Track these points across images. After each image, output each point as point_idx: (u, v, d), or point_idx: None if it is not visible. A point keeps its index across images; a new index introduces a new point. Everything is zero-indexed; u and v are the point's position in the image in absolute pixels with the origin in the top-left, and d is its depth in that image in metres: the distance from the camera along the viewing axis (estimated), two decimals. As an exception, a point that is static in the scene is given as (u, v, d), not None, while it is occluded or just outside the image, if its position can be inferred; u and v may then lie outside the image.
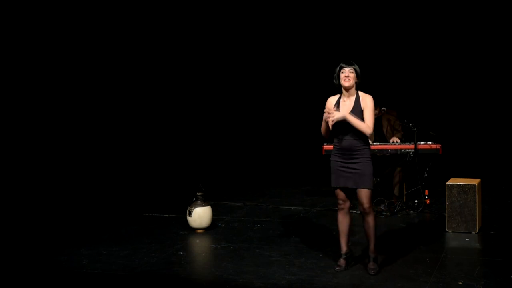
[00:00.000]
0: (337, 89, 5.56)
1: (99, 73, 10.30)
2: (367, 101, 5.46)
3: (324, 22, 11.01)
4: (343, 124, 5.44)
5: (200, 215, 6.96)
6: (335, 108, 5.46)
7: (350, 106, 5.48)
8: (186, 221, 7.07)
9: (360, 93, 5.52)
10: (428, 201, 7.77)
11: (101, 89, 10.34)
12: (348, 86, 5.47)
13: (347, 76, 5.45)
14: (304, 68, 11.29)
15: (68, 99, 9.96)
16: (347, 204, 5.60)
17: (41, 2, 9.41)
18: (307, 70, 11.19)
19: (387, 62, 10.75)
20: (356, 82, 5.48)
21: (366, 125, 5.42)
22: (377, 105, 7.77)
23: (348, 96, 5.51)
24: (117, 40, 10.40)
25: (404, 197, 7.86)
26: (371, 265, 5.51)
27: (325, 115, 5.46)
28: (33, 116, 9.54)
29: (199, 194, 7.03)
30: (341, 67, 5.47)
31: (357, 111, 5.44)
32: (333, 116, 5.35)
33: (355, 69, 5.45)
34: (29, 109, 9.49)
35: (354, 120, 5.39)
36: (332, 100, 5.58)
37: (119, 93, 10.55)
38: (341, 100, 5.54)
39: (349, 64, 5.46)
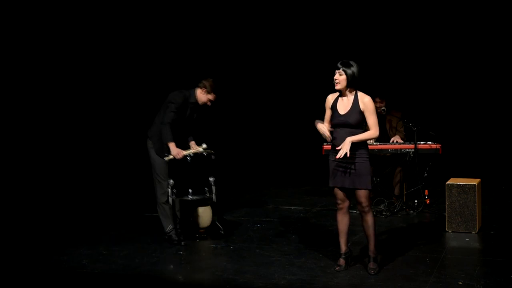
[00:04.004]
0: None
1: (99, 73, 10.30)
2: (366, 103, 5.40)
3: (325, 22, 11.01)
4: (340, 122, 5.43)
5: (200, 215, 6.94)
6: (329, 136, 5.44)
7: (348, 105, 5.45)
8: (186, 221, 7.07)
9: (359, 93, 5.46)
10: (428, 201, 7.77)
11: (101, 89, 10.34)
12: (338, 89, 5.44)
13: (336, 79, 5.41)
14: (304, 68, 11.28)
15: (68, 99, 9.96)
16: (346, 203, 5.60)
17: (41, 2, 9.42)
18: (307, 70, 11.19)
19: (388, 62, 10.75)
20: (349, 83, 5.40)
21: (371, 133, 5.39)
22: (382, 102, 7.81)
23: (347, 96, 5.48)
24: (117, 40, 10.39)
25: (404, 197, 7.86)
26: (371, 265, 5.51)
27: (319, 127, 5.46)
28: (33, 116, 9.54)
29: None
30: (335, 68, 5.44)
31: (355, 111, 5.41)
32: (342, 152, 5.31)
33: (345, 72, 5.36)
34: (29, 109, 9.49)
35: (359, 137, 5.36)
36: (330, 98, 5.56)
37: (119, 93, 10.54)
38: (339, 99, 5.52)
39: (341, 65, 5.38)
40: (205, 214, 6.97)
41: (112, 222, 7.64)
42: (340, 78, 5.40)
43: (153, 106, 10.96)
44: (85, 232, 7.16)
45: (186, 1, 10.84)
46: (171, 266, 5.92)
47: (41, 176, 9.35)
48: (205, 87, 6.54)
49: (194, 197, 6.44)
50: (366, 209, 5.45)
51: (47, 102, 9.72)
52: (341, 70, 5.38)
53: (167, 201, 6.54)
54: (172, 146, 6.36)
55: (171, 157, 6.37)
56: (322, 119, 5.60)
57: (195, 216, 6.81)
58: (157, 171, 6.54)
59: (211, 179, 6.44)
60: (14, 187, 8.89)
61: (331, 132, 5.54)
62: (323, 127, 5.46)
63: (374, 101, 5.56)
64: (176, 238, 6.50)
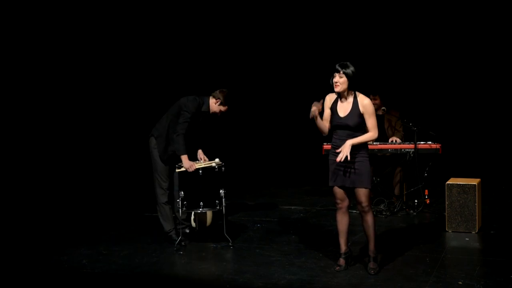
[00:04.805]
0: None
1: (99, 73, 10.30)
2: (365, 106, 5.40)
3: (324, 21, 11.01)
4: (340, 124, 5.43)
5: (201, 215, 6.94)
6: (315, 109, 5.40)
7: (347, 108, 5.44)
8: (186, 221, 7.07)
9: (358, 96, 5.47)
10: (428, 201, 7.77)
11: (101, 89, 10.34)
12: (338, 92, 5.44)
13: (337, 82, 5.40)
14: (303, 68, 11.28)
15: (68, 99, 9.96)
16: (345, 203, 5.59)
17: (41, 2, 9.42)
18: (306, 70, 11.19)
19: (388, 62, 10.75)
20: (350, 85, 5.40)
21: (370, 135, 5.39)
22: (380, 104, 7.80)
23: (346, 98, 5.48)
24: (117, 40, 10.39)
25: (404, 197, 7.86)
26: (371, 264, 5.51)
27: (312, 111, 5.40)
28: (33, 116, 9.54)
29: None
30: (334, 70, 5.41)
31: (355, 114, 5.41)
32: (342, 155, 5.30)
33: (346, 73, 5.36)
34: (29, 109, 9.49)
35: (359, 139, 5.36)
36: (330, 98, 5.55)
37: (118, 93, 10.54)
38: (338, 101, 5.51)
39: (340, 67, 5.37)
40: (205, 214, 6.97)
41: (112, 222, 7.64)
42: (341, 81, 5.38)
43: (153, 106, 10.99)
44: (85, 232, 7.16)
45: (189, 4, 10.85)
46: (171, 266, 5.92)
47: (41, 176, 9.35)
48: (219, 98, 6.48)
49: (205, 210, 6.43)
50: (366, 208, 5.45)
51: (47, 102, 9.72)
52: (341, 73, 5.37)
53: (167, 201, 6.54)
54: (184, 158, 6.29)
55: (182, 169, 6.34)
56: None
57: (196, 215, 6.81)
58: (157, 171, 6.54)
59: (221, 191, 6.42)
60: (14, 187, 8.89)
61: (331, 132, 5.54)
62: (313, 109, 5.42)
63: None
64: (176, 238, 6.50)
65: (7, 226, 7.48)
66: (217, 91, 6.52)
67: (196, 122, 6.50)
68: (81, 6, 9.84)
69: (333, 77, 5.42)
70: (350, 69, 5.37)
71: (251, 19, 11.22)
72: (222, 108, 6.52)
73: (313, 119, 5.43)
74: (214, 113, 6.58)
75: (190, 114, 6.37)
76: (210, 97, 6.53)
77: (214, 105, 6.51)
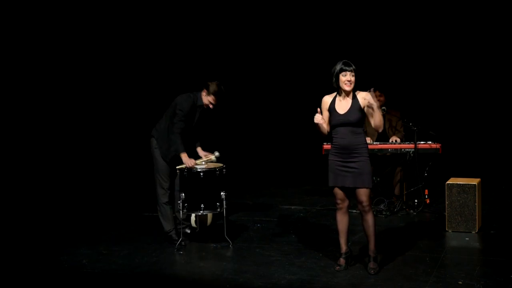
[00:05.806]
0: (334, 88, 5.52)
1: (99, 73, 10.30)
2: (366, 96, 5.40)
3: (324, 21, 11.01)
4: (341, 122, 5.43)
5: (200, 215, 6.94)
6: (321, 118, 5.46)
7: (347, 105, 5.45)
8: (186, 221, 7.07)
9: (358, 93, 5.46)
10: (428, 201, 7.77)
11: (101, 89, 10.34)
12: (349, 90, 5.44)
13: (349, 80, 5.38)
14: (303, 68, 11.28)
15: (68, 99, 9.96)
16: (346, 203, 5.59)
17: (41, 2, 9.42)
18: (306, 70, 11.19)
19: (388, 62, 10.75)
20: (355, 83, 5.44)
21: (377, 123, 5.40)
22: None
23: (345, 96, 5.49)
24: (118, 39, 10.39)
25: (404, 197, 7.86)
26: (371, 264, 5.51)
27: (315, 118, 5.45)
28: (33, 116, 9.55)
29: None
30: (342, 69, 5.40)
31: (355, 109, 5.41)
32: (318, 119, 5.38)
33: (355, 72, 5.39)
34: (29, 109, 9.49)
35: (376, 109, 5.36)
36: (327, 100, 5.55)
37: (118, 93, 10.54)
38: (336, 99, 5.51)
39: (350, 66, 5.39)
40: (206, 214, 6.97)
41: (112, 222, 7.64)
42: (353, 80, 5.40)
43: (154, 106, 10.97)
44: (85, 232, 7.16)
45: (190, 3, 10.85)
46: (171, 266, 5.92)
47: (41, 176, 9.35)
48: (207, 88, 6.46)
49: (206, 212, 6.43)
50: (367, 208, 5.45)
51: (47, 102, 9.72)
52: (353, 72, 5.39)
53: (168, 201, 6.54)
54: (184, 156, 6.30)
55: (183, 166, 6.33)
56: None
57: (197, 216, 6.81)
58: (159, 171, 6.54)
59: (222, 194, 6.42)
60: (14, 187, 8.89)
61: (331, 132, 5.54)
62: (318, 118, 5.46)
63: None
64: (176, 238, 6.50)
65: (7, 226, 7.48)
66: (208, 82, 6.50)
67: (193, 118, 6.51)
68: (81, 6, 9.85)
69: (340, 75, 5.39)
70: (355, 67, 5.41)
71: (252, 18, 11.22)
72: (210, 98, 6.47)
73: (315, 123, 5.47)
74: (207, 106, 6.56)
75: (184, 113, 6.38)
76: (203, 90, 6.54)
77: (203, 96, 6.50)
